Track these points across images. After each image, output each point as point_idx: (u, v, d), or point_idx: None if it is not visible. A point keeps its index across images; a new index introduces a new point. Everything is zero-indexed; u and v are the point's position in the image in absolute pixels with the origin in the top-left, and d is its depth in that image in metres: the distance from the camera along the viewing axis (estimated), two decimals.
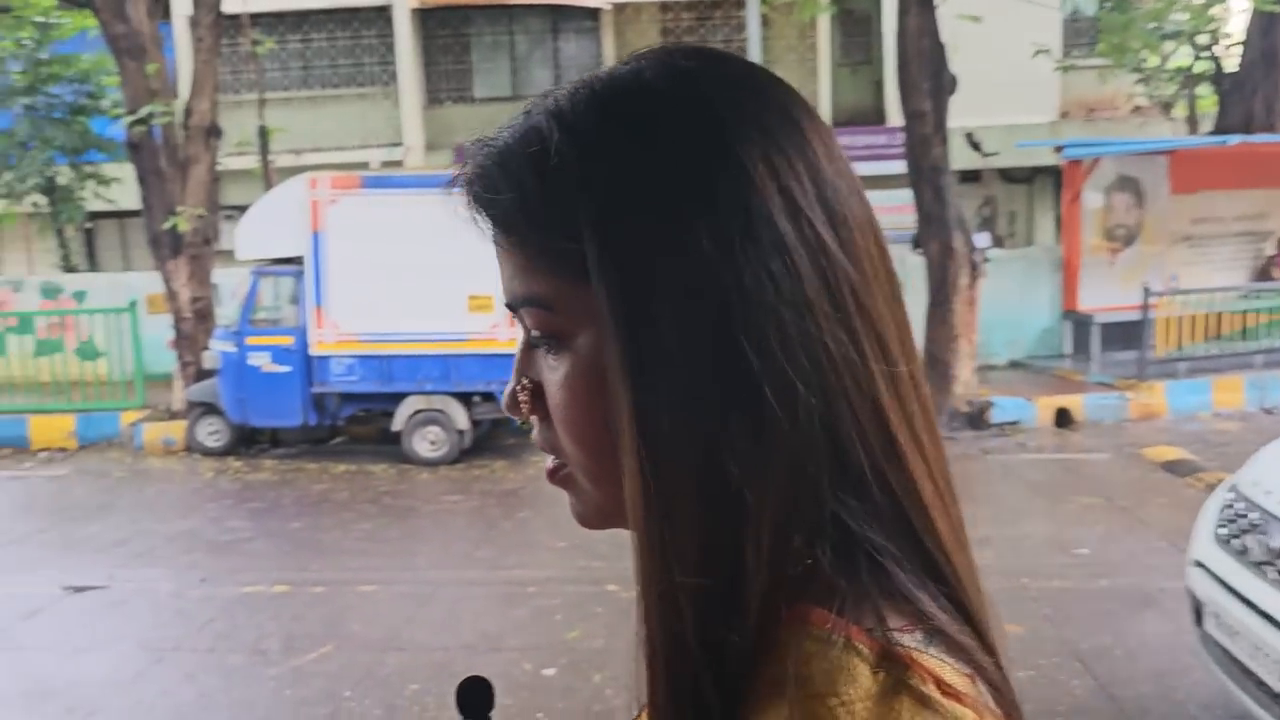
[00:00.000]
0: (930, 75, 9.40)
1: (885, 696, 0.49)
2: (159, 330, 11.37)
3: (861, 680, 0.50)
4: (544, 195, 0.57)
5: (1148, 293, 10.79)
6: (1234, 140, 11.31)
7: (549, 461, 0.64)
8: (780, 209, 0.55)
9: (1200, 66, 13.84)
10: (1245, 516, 3.53)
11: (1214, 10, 12.79)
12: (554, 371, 0.60)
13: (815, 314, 0.55)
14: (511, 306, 0.61)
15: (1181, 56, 14.36)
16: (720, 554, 0.54)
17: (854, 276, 0.57)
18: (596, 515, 0.63)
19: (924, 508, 0.57)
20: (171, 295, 10.56)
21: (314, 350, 9.23)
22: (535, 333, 0.60)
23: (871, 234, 0.59)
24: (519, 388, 0.62)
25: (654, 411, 0.54)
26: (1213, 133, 12.73)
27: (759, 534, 0.53)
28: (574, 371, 0.58)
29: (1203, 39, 13.36)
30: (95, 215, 15.83)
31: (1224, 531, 3.61)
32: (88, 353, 11.76)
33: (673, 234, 0.54)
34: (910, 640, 0.52)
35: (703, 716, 0.54)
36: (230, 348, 9.34)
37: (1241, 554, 3.47)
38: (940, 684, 0.51)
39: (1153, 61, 14.26)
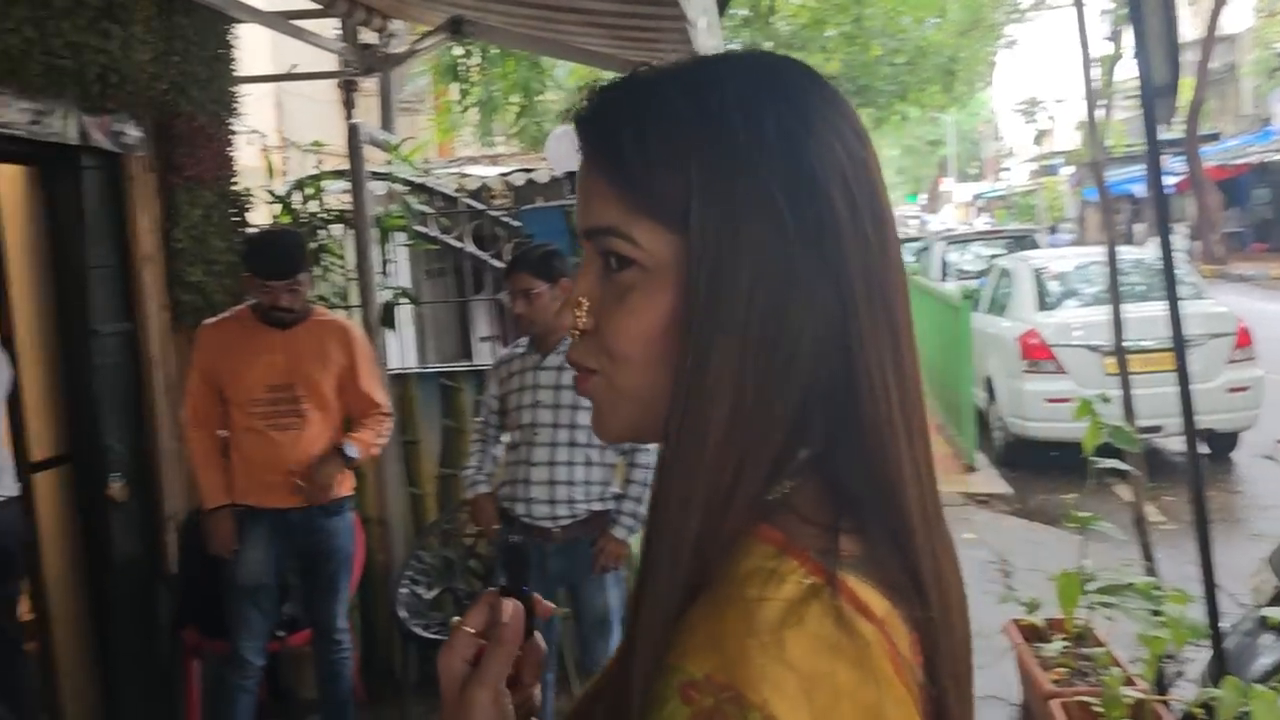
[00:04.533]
0: None
1: (801, 601, 0.58)
2: None
3: (787, 586, 0.59)
4: (660, 148, 0.65)
5: None
6: None
7: (585, 372, 0.71)
8: (845, 217, 0.65)
9: None
10: None
11: None
12: (621, 292, 0.67)
13: (854, 311, 0.65)
14: (592, 232, 0.68)
15: None
16: (727, 467, 0.63)
17: (886, 276, 0.66)
18: (624, 426, 0.71)
19: (896, 472, 0.65)
20: None
21: None
22: (614, 257, 0.67)
23: (893, 226, 0.68)
24: (579, 301, 0.70)
25: (709, 343, 0.64)
26: None
27: (759, 455, 0.64)
28: (642, 296, 0.66)
29: None
30: None
31: None
32: None
33: (761, 214, 0.64)
34: (845, 565, 0.61)
35: (669, 604, 0.63)
36: None
37: None
38: (855, 601, 0.60)
39: None
